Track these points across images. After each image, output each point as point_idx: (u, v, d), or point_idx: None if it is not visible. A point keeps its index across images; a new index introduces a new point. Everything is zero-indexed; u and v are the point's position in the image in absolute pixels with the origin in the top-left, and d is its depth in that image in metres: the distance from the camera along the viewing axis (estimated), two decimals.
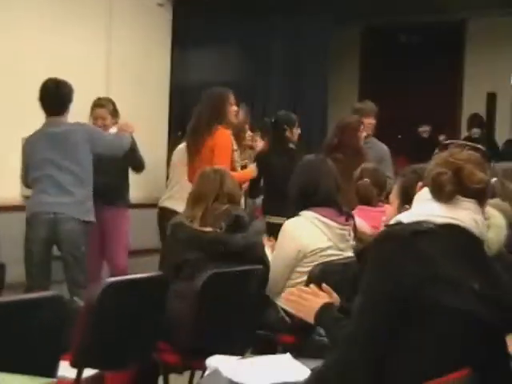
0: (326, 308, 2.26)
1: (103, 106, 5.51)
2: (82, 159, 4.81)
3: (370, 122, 6.03)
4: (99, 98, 5.62)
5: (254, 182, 5.72)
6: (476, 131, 8.54)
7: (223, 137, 5.08)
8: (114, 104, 5.60)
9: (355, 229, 3.86)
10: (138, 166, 5.63)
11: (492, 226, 2.64)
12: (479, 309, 1.93)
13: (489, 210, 2.69)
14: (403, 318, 1.90)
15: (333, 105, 8.47)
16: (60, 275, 4.89)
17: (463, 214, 2.00)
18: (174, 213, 4.87)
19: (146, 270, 3.52)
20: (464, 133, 9.25)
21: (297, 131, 5.88)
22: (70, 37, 6.80)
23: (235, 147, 5.28)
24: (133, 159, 5.49)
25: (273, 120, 6.00)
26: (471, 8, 9.21)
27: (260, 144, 7.00)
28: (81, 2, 7.00)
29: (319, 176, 3.73)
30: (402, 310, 1.90)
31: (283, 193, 5.26)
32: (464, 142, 2.22)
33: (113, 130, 5.44)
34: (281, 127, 5.78)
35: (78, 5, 6.96)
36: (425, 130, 9.27)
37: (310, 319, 2.27)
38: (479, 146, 2.19)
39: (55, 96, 4.78)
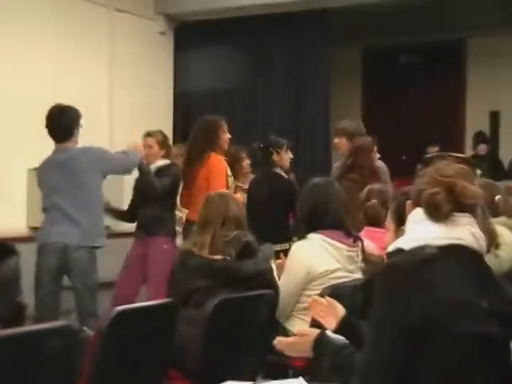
0: (320, 340, 2.26)
1: (151, 136, 5.53)
2: (88, 184, 4.80)
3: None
4: (150, 130, 5.64)
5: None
6: (483, 147, 8.55)
7: (216, 162, 5.17)
8: (165, 136, 5.62)
9: (363, 250, 3.85)
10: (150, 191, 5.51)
11: (502, 245, 2.63)
12: (491, 327, 1.92)
13: (497, 228, 2.69)
14: (418, 347, 1.88)
15: (336, 125, 8.48)
16: (69, 305, 4.89)
17: (462, 231, 1.99)
18: None
19: None
20: (468, 151, 9.27)
21: (286, 155, 5.83)
22: (73, 66, 6.87)
23: (229, 173, 5.31)
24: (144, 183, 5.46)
25: (261, 145, 5.97)
26: (472, 27, 9.26)
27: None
28: (84, 30, 7.08)
29: (328, 199, 3.72)
30: (416, 340, 1.88)
31: (268, 219, 5.32)
32: (446, 154, 2.20)
33: (161, 161, 5.47)
34: (267, 151, 5.78)
35: (81, 33, 7.04)
36: (434, 150, 9.20)
37: (309, 354, 2.28)
38: (461, 155, 2.18)
39: (60, 123, 4.80)
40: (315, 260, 3.61)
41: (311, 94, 7.99)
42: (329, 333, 2.37)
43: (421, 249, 1.95)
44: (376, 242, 4.31)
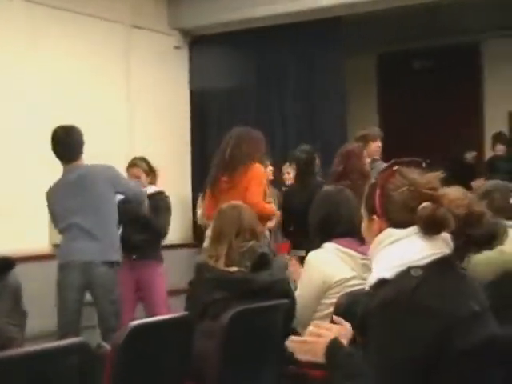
0: (334, 345, 2.14)
1: (136, 165, 5.63)
2: (103, 199, 4.85)
3: (377, 145, 6.06)
4: (134, 158, 5.76)
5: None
6: (500, 148, 8.51)
7: (257, 170, 5.14)
8: (147, 162, 5.70)
9: None
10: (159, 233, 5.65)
11: (508, 241, 2.64)
12: (492, 328, 1.95)
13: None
14: (428, 373, 1.87)
15: (352, 134, 8.49)
16: (90, 321, 4.93)
17: (442, 241, 1.98)
18: None
19: (179, 310, 3.56)
20: (488, 153, 9.22)
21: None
22: (90, 84, 6.95)
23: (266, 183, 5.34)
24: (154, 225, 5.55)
25: (305, 154, 6.10)
26: (486, 29, 9.23)
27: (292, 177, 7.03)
28: (100, 48, 7.16)
29: (340, 207, 3.73)
30: (425, 367, 1.86)
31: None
32: (401, 160, 2.18)
33: (150, 188, 5.55)
34: (313, 160, 5.84)
35: (97, 51, 7.12)
36: (471, 155, 9.09)
37: (320, 359, 2.15)
38: (415, 159, 2.16)
39: (67, 143, 4.84)
40: (330, 269, 3.62)
41: (326, 104, 7.99)
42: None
43: (406, 274, 1.93)
44: None
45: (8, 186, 6.11)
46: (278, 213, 5.48)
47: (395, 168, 2.09)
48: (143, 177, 5.59)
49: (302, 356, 2.22)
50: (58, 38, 6.73)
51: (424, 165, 2.12)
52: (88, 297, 4.89)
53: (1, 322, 3.37)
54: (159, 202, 5.54)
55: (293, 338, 2.31)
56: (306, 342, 2.21)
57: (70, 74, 6.79)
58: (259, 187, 5.07)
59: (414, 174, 2.06)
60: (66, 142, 4.83)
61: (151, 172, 5.68)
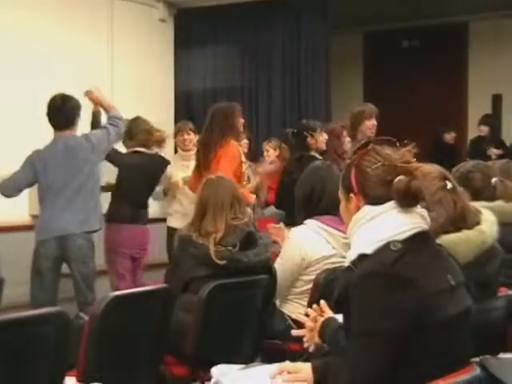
0: (325, 323, 2.30)
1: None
2: (89, 172, 4.85)
3: (372, 123, 5.97)
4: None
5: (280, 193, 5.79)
6: (483, 128, 8.53)
7: (231, 147, 5.13)
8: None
9: None
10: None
11: (483, 221, 2.66)
12: (467, 301, 2.01)
13: (476, 206, 2.73)
14: (405, 343, 1.91)
15: (336, 111, 8.48)
16: (69, 293, 4.92)
17: (419, 215, 2.03)
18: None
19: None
20: (470, 135, 9.25)
21: (321, 137, 5.83)
22: (73, 54, 6.89)
23: (243, 159, 5.30)
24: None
25: (294, 130, 6.03)
26: (473, 10, 9.22)
27: (272, 154, 7.01)
28: (84, 18, 7.09)
29: (326, 181, 3.71)
30: (403, 337, 1.90)
31: None
32: (375, 138, 2.21)
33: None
34: (301, 135, 5.81)
35: (81, 22, 7.05)
36: (451, 136, 9.07)
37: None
38: (388, 137, 2.18)
39: (62, 111, 4.81)
40: (311, 246, 3.62)
41: (312, 81, 7.97)
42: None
43: (386, 248, 1.97)
44: None
45: None
46: (253, 196, 5.41)
47: (369, 147, 2.13)
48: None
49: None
50: (40, 7, 6.65)
51: (398, 144, 2.14)
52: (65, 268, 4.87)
53: None
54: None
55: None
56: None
57: (52, 44, 6.72)
58: (228, 163, 5.04)
59: (387, 150, 2.10)
60: (61, 110, 4.81)
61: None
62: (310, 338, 2.38)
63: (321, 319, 2.35)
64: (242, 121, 5.33)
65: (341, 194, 2.19)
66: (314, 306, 2.43)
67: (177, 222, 5.63)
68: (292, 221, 5.16)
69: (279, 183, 6.00)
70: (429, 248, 2.03)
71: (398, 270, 1.91)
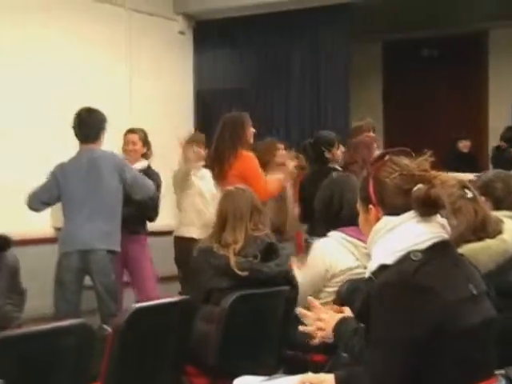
0: (343, 321, 2.28)
1: (135, 132, 5.61)
2: (112, 188, 4.85)
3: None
4: (133, 127, 5.73)
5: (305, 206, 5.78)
6: (504, 144, 8.51)
7: (249, 160, 5.14)
8: (146, 134, 5.67)
9: None
10: (152, 217, 5.63)
11: (505, 230, 2.65)
12: (490, 311, 1.99)
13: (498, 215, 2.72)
14: (426, 352, 1.90)
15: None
16: (92, 305, 4.94)
17: (439, 225, 2.02)
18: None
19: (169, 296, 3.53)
20: (491, 144, 9.19)
21: (339, 151, 5.90)
22: (93, 68, 6.93)
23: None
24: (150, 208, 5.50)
25: (311, 141, 6.08)
26: (493, 18, 9.18)
27: (291, 164, 7.00)
28: (102, 32, 7.13)
29: (344, 192, 3.71)
30: (423, 345, 1.90)
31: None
32: (391, 150, 2.21)
33: (141, 163, 5.52)
34: (319, 149, 5.83)
35: (100, 35, 7.10)
36: (466, 144, 9.03)
37: (330, 336, 2.28)
38: (404, 148, 2.18)
39: (87, 124, 4.84)
40: (335, 258, 3.60)
41: (331, 90, 7.97)
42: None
43: (406, 258, 1.96)
44: None
45: (12, 166, 6.09)
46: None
47: (386, 158, 2.13)
48: (139, 144, 5.56)
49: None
50: (58, 22, 6.71)
51: (414, 154, 2.14)
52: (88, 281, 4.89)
53: (1, 301, 3.38)
54: (152, 176, 5.49)
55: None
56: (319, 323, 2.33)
57: (71, 60, 6.77)
58: (257, 174, 5.06)
59: (404, 160, 2.11)
60: (84, 122, 4.84)
61: (147, 144, 5.65)
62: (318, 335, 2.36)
63: (337, 315, 2.35)
64: (252, 130, 5.34)
65: (359, 206, 2.20)
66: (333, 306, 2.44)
67: (189, 231, 5.59)
68: (313, 233, 5.20)
69: (299, 195, 6.00)
70: (449, 257, 2.02)
71: (419, 279, 1.91)
